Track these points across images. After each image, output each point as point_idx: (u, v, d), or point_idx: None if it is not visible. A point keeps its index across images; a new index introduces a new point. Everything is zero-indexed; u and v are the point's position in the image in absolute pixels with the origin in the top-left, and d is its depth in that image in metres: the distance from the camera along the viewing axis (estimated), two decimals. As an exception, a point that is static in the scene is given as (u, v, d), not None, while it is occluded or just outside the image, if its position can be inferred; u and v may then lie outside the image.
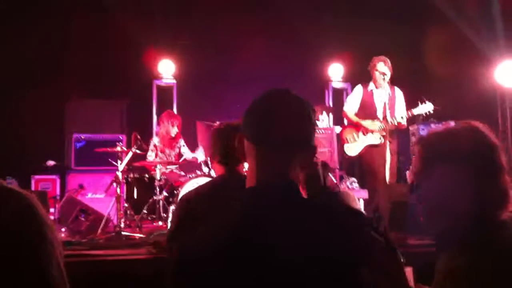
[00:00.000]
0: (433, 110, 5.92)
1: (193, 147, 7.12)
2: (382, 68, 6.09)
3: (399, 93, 6.24)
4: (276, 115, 1.43)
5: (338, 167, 6.47)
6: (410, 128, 6.97)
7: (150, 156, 6.62)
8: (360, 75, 6.66)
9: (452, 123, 6.40)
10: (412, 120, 6.26)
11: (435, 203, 1.65)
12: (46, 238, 1.23)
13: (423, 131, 6.88)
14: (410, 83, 6.28)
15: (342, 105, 6.67)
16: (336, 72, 9.21)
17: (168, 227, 3.00)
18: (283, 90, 1.50)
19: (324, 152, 6.50)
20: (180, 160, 6.75)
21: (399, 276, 1.40)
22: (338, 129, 6.78)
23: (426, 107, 5.91)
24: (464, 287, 1.47)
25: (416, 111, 5.94)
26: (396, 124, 5.89)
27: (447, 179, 1.59)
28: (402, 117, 5.95)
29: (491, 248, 1.50)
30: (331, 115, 7.64)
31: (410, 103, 6.09)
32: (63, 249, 1.31)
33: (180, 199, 3.02)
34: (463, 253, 1.52)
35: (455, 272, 1.50)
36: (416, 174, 1.69)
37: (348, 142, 6.12)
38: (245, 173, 3.08)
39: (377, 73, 6.12)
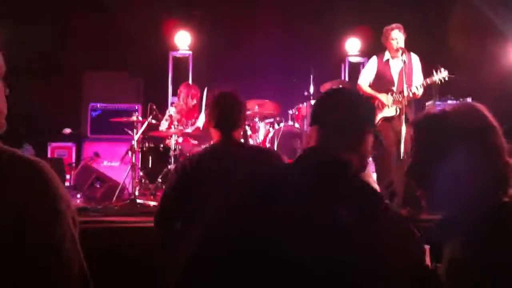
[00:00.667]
0: (449, 78, 5.80)
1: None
2: (397, 35, 5.95)
3: (415, 60, 6.06)
4: (336, 105, 1.71)
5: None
6: (427, 103, 6.90)
7: (164, 125, 6.65)
8: (377, 49, 6.57)
9: (469, 100, 6.35)
10: (429, 88, 6.12)
11: (437, 186, 1.60)
12: (58, 210, 1.20)
13: (440, 107, 6.84)
14: (428, 59, 6.18)
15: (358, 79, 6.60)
16: (352, 46, 9.14)
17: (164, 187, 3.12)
18: (345, 88, 1.89)
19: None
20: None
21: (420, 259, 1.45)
22: (353, 103, 6.74)
23: (441, 75, 5.78)
24: (468, 275, 1.44)
25: (431, 79, 5.83)
26: (411, 95, 5.77)
27: (448, 159, 1.54)
28: (417, 87, 5.80)
29: (494, 233, 1.45)
30: (347, 90, 7.59)
31: (426, 75, 6.00)
32: (77, 219, 1.27)
33: (177, 164, 3.15)
34: (468, 240, 1.48)
35: (460, 261, 1.47)
36: (414, 156, 1.67)
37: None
38: (240, 139, 3.18)
39: (393, 42, 5.98)
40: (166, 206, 3.00)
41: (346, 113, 1.68)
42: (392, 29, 5.97)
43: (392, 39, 5.96)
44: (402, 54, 5.81)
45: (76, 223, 1.26)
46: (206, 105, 3.33)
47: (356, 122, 1.68)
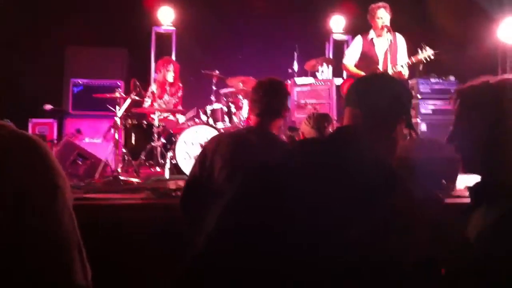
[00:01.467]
0: (434, 56, 5.83)
1: (190, 95, 7.12)
2: (383, 14, 5.96)
3: (400, 40, 6.10)
4: (376, 89, 1.71)
5: (336, 118, 6.47)
6: (410, 82, 6.93)
7: (147, 102, 6.62)
8: (361, 27, 6.57)
9: (452, 78, 6.39)
10: (413, 67, 6.16)
11: (471, 151, 1.65)
12: (56, 185, 1.20)
13: (422, 85, 6.87)
14: (411, 38, 6.20)
15: (343, 57, 6.60)
16: (337, 24, 9.10)
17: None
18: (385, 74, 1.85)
19: (323, 104, 6.51)
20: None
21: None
22: (338, 81, 6.75)
23: (426, 53, 5.82)
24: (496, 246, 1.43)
25: (416, 58, 5.85)
26: (397, 74, 5.79)
27: (482, 128, 1.59)
28: (402, 66, 5.83)
29: None
30: (330, 67, 7.60)
31: (411, 54, 6.02)
32: (71, 195, 1.27)
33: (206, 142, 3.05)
34: (491, 209, 1.50)
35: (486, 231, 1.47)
36: (455, 122, 1.70)
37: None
38: (276, 131, 3.13)
39: (378, 21, 5.98)
40: (187, 192, 2.98)
41: (385, 98, 1.67)
42: (378, 7, 5.98)
43: (378, 18, 5.97)
44: (387, 33, 5.83)
45: (72, 201, 1.27)
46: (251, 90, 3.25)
47: (393, 109, 1.67)
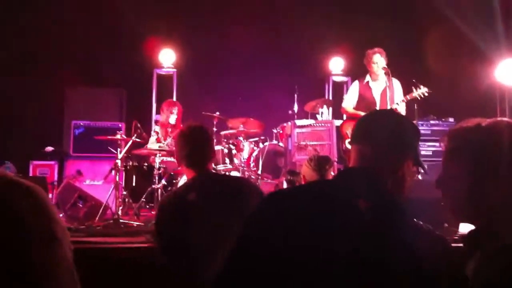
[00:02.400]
0: (428, 95, 5.93)
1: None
2: (379, 59, 6.13)
3: (396, 84, 6.27)
4: (382, 124, 1.67)
5: (336, 160, 6.48)
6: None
7: (152, 143, 6.62)
8: (360, 68, 6.68)
9: (451, 120, 6.43)
10: (411, 107, 6.23)
11: (460, 198, 1.60)
12: (56, 239, 1.15)
13: (422, 127, 6.90)
14: (409, 79, 6.29)
15: (342, 98, 6.70)
16: (336, 65, 9.21)
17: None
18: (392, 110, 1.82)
19: (324, 145, 6.53)
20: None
21: None
22: (337, 122, 6.80)
23: (420, 91, 5.95)
24: None
25: (411, 95, 5.98)
26: None
27: (471, 172, 1.55)
28: (397, 104, 5.98)
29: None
30: (330, 109, 7.66)
31: (406, 93, 6.13)
32: (71, 246, 1.21)
33: (159, 205, 3.02)
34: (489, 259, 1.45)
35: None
36: (443, 166, 1.66)
37: (349, 137, 6.13)
38: (213, 171, 3.13)
39: (374, 66, 6.16)
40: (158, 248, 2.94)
41: (393, 133, 1.63)
42: (374, 53, 6.19)
43: (374, 63, 6.18)
44: (385, 75, 5.99)
45: (71, 249, 1.21)
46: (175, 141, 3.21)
47: (401, 144, 1.63)
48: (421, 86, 5.97)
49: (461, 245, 1.60)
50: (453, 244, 1.51)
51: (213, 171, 3.16)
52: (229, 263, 1.42)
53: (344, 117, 7.32)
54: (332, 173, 3.91)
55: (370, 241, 1.33)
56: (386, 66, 6.11)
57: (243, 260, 1.40)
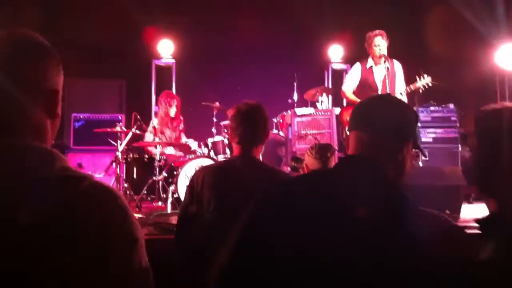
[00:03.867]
0: (432, 85, 5.88)
1: (190, 127, 7.13)
2: (380, 41, 6.00)
3: (398, 67, 6.13)
4: (381, 110, 1.65)
5: (337, 148, 6.47)
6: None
7: (149, 137, 6.60)
8: (359, 56, 6.63)
9: (451, 106, 6.40)
10: (412, 95, 6.21)
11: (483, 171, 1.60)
12: (138, 239, 1.17)
13: (422, 113, 6.89)
14: (409, 65, 6.25)
15: (342, 86, 6.65)
16: (335, 53, 9.18)
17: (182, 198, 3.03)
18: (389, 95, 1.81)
19: (324, 133, 6.51)
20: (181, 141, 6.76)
21: None
22: (337, 110, 6.78)
23: (424, 81, 5.87)
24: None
25: (414, 85, 5.90)
26: None
27: (494, 151, 1.53)
28: (401, 93, 5.88)
29: None
30: (330, 97, 7.64)
31: (409, 81, 6.07)
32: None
33: (192, 175, 3.02)
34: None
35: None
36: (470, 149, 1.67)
37: (349, 124, 6.08)
38: (259, 157, 3.11)
39: (376, 49, 6.03)
40: (181, 225, 2.96)
41: (392, 118, 1.61)
42: (375, 35, 6.03)
43: (375, 46, 6.02)
44: (385, 62, 5.88)
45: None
46: (230, 118, 3.18)
47: (400, 130, 1.61)
48: (425, 76, 5.88)
49: (472, 231, 1.59)
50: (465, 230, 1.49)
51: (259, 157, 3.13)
52: (228, 266, 1.41)
53: (344, 103, 7.29)
54: (334, 161, 3.90)
55: (376, 236, 1.31)
56: (384, 51, 5.98)
57: (241, 263, 1.39)
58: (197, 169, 3.07)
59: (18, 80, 1.25)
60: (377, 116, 1.62)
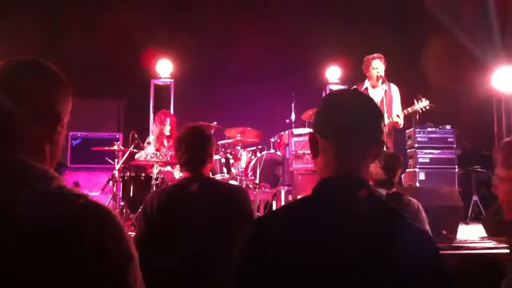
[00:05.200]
0: (429, 108, 5.90)
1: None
2: (378, 64, 6.03)
3: (395, 90, 6.15)
4: (351, 109, 1.45)
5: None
6: (407, 131, 6.99)
7: (141, 156, 6.54)
8: (357, 77, 6.67)
9: (448, 127, 6.43)
10: (409, 117, 6.22)
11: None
12: (132, 257, 1.19)
13: (419, 134, 6.90)
14: (407, 88, 6.28)
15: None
16: (333, 74, 9.22)
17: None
18: (353, 89, 1.77)
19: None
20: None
21: None
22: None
23: (422, 104, 5.89)
24: None
25: (412, 108, 5.92)
26: (392, 124, 5.86)
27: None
28: (398, 116, 5.89)
29: None
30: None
31: (407, 104, 6.09)
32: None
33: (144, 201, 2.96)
34: None
35: None
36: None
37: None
38: (209, 175, 3.09)
39: (373, 71, 6.05)
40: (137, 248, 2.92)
41: (363, 121, 1.44)
42: (373, 58, 6.06)
43: (373, 68, 6.04)
44: (382, 83, 5.90)
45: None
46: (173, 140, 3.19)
47: (373, 131, 1.47)
48: (423, 99, 5.91)
49: (459, 252, 1.60)
50: (451, 252, 1.51)
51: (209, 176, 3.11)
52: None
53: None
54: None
55: (373, 257, 1.30)
56: (382, 74, 6.01)
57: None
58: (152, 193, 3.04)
59: (20, 99, 1.25)
60: (349, 120, 1.45)
